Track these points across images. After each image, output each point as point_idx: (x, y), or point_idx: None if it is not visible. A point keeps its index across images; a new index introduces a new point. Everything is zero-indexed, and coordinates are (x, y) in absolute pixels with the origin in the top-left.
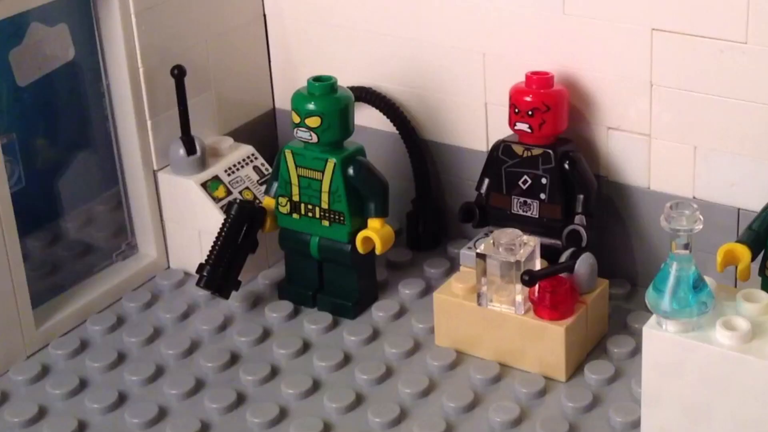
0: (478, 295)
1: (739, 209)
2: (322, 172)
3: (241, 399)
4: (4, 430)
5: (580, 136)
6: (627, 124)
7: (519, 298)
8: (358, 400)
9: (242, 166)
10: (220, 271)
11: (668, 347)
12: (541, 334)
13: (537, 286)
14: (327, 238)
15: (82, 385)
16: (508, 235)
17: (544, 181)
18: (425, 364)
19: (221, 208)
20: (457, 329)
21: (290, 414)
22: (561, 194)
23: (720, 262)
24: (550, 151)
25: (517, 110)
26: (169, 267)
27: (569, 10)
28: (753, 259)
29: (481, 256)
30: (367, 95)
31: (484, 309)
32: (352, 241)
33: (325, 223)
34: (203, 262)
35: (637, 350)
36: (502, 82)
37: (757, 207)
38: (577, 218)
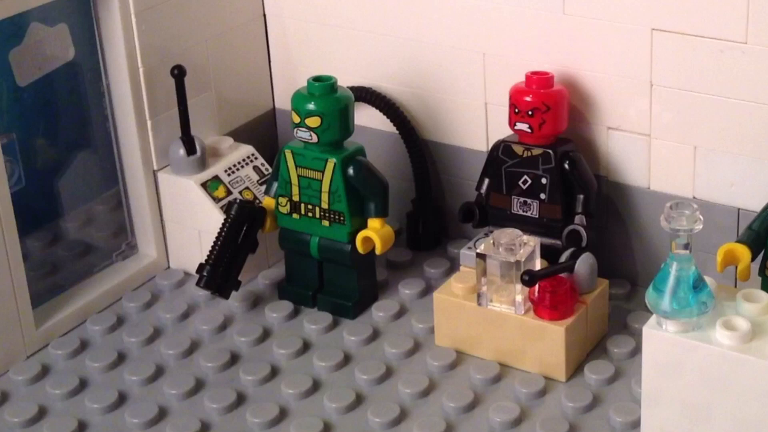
0: (478, 295)
1: (739, 209)
2: (322, 172)
3: (241, 399)
4: (4, 430)
5: (580, 136)
6: (627, 124)
7: (519, 298)
8: (358, 400)
9: (242, 166)
10: (220, 271)
11: (668, 347)
12: (541, 334)
13: (537, 286)
14: (327, 238)
15: (82, 385)
16: (508, 235)
17: (544, 181)
18: (425, 364)
19: (221, 208)
20: (457, 329)
21: (290, 414)
22: (561, 194)
23: (720, 262)
24: (550, 151)
25: (517, 110)
26: (169, 267)
27: (569, 10)
28: (753, 259)
29: (481, 256)
30: (367, 95)
31: (484, 309)
32: (352, 241)
33: (325, 223)
34: (203, 262)
35: (637, 350)
36: (502, 82)
37: (757, 207)
38: (577, 218)
